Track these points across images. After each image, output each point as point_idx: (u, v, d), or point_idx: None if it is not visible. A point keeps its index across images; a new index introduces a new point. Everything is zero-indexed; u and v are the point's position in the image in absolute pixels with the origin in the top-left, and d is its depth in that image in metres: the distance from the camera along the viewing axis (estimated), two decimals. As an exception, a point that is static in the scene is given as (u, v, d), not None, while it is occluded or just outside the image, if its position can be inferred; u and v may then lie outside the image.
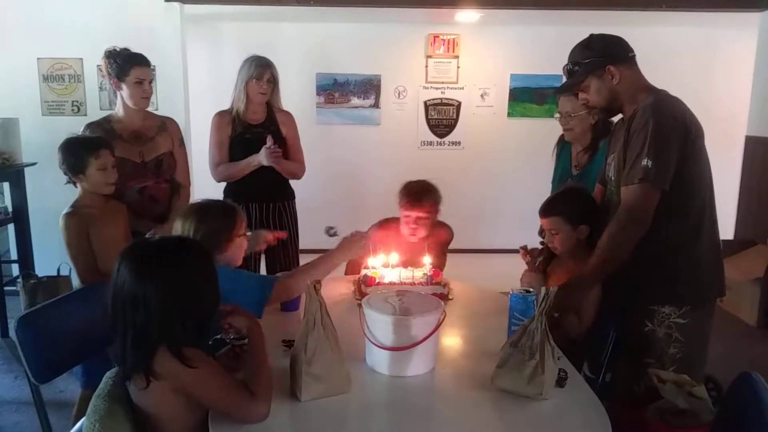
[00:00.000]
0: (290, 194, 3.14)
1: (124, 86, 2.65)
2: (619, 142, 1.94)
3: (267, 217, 3.04)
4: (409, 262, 2.33)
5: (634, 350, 1.92)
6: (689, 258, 1.88)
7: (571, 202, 2.11)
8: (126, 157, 2.62)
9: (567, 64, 2.00)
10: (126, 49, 2.68)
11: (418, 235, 2.54)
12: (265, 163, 2.87)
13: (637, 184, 1.78)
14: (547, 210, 2.11)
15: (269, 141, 2.85)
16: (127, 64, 2.62)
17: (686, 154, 1.81)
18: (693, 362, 1.90)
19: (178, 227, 1.85)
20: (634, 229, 1.80)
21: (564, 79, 2.05)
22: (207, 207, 1.90)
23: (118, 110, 2.73)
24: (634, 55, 1.96)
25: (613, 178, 1.99)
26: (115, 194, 2.47)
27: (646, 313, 1.91)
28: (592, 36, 1.96)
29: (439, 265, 2.53)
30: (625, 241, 1.80)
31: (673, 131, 1.79)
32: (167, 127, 2.81)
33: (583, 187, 2.24)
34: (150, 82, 2.69)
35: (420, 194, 2.52)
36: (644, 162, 1.76)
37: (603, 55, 1.91)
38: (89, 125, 2.70)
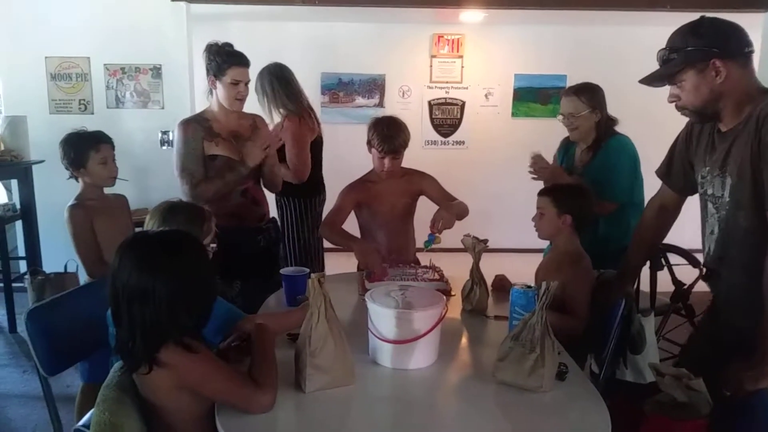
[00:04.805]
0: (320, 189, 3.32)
1: (219, 85, 2.49)
2: (718, 152, 1.60)
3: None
4: (393, 206, 2.53)
5: None
6: None
7: (568, 192, 2.17)
8: (230, 156, 2.50)
9: (664, 49, 1.60)
10: (228, 45, 2.51)
11: (394, 168, 2.49)
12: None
13: None
14: (543, 190, 2.20)
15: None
16: (225, 64, 2.45)
17: None
18: None
19: (146, 222, 1.83)
20: None
21: (658, 67, 1.64)
22: (174, 207, 1.86)
23: (213, 107, 2.56)
24: (752, 51, 1.56)
25: (723, 196, 1.59)
26: (220, 198, 2.42)
27: None
28: (703, 19, 1.57)
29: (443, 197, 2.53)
30: None
31: None
32: (258, 125, 2.67)
33: (588, 188, 2.25)
34: (246, 84, 2.52)
35: (393, 137, 2.43)
36: None
37: (710, 45, 1.51)
38: (185, 121, 2.54)
